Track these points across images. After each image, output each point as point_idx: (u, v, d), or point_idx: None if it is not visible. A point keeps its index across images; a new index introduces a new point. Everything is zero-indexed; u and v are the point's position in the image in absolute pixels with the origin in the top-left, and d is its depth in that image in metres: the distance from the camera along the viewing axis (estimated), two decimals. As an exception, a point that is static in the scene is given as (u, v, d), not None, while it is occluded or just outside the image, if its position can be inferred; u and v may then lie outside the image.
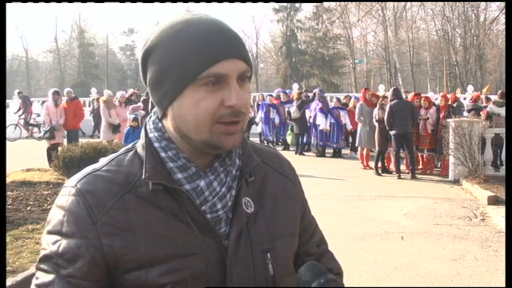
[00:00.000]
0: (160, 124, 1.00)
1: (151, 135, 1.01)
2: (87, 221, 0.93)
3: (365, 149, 11.69)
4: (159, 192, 0.96)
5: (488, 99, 12.34)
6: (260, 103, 16.18)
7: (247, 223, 1.00)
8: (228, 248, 0.96)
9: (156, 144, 0.99)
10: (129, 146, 1.05)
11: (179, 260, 0.93)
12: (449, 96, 12.64)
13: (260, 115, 15.53)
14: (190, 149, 0.98)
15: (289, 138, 14.89)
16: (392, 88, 11.26)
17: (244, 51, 0.96)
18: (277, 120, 15.44)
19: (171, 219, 0.95)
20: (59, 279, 0.92)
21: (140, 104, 12.71)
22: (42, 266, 0.95)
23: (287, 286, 1.01)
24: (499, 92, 11.66)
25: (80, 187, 0.96)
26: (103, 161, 1.02)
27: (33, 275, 3.63)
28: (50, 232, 0.96)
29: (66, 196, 0.96)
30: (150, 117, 1.04)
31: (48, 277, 0.93)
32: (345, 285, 1.14)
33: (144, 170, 0.95)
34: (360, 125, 11.73)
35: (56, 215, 0.96)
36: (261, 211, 1.04)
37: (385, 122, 10.18)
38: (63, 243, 0.93)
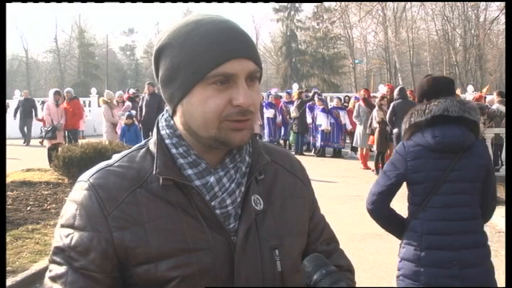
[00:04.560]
0: (172, 122, 1.03)
1: (163, 132, 1.03)
2: (98, 214, 0.95)
3: (364, 148, 11.70)
4: (170, 188, 0.98)
5: (484, 99, 12.32)
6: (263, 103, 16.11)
7: (256, 220, 1.01)
8: (237, 244, 0.98)
9: (167, 141, 1.02)
10: (142, 143, 1.08)
11: (188, 254, 0.95)
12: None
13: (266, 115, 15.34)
14: (200, 146, 1.00)
15: (291, 136, 14.92)
16: (399, 87, 11.24)
17: (254, 51, 0.97)
18: (278, 120, 15.44)
19: (181, 215, 0.97)
20: (72, 271, 0.94)
21: (129, 103, 12.72)
22: (55, 258, 0.97)
23: (294, 283, 1.02)
24: (498, 91, 11.58)
25: (92, 182, 0.98)
26: (116, 157, 1.05)
27: (33, 275, 3.66)
28: (62, 225, 0.98)
29: (79, 190, 0.99)
30: (163, 115, 1.06)
31: (62, 269, 0.95)
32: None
33: (155, 166, 0.98)
34: (357, 125, 11.79)
35: (69, 209, 0.98)
36: (270, 209, 1.05)
37: (387, 120, 10.19)
38: (76, 236, 0.95)
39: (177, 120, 1.01)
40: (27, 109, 17.45)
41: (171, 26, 0.99)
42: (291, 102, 15.55)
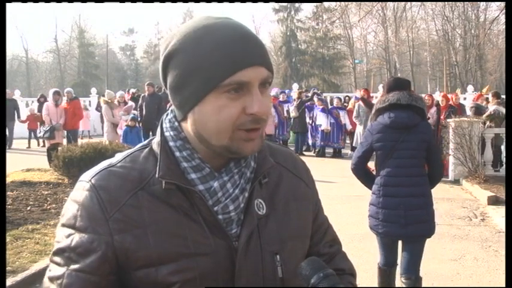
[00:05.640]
0: (176, 123, 1.00)
1: (167, 133, 1.01)
2: (100, 216, 0.94)
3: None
4: (172, 191, 0.96)
5: (487, 100, 12.26)
6: None
7: (258, 225, 1.00)
8: (238, 249, 0.97)
9: (171, 143, 0.99)
10: (145, 142, 1.06)
11: (189, 259, 0.94)
12: (450, 96, 12.60)
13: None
14: (206, 150, 0.98)
15: (291, 136, 14.93)
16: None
17: (266, 57, 0.95)
18: (276, 120, 15.44)
19: (183, 219, 0.95)
20: (70, 273, 0.93)
21: (132, 103, 12.72)
22: (55, 258, 0.97)
23: (294, 287, 1.01)
24: (493, 92, 11.51)
25: (94, 182, 0.97)
26: (119, 156, 1.03)
27: (33, 275, 3.67)
28: (64, 225, 0.97)
29: (80, 190, 0.98)
30: (167, 115, 1.04)
31: (60, 270, 0.95)
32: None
33: (157, 169, 0.96)
34: (357, 125, 11.80)
35: (70, 209, 0.97)
36: (272, 213, 1.03)
37: None
38: (76, 237, 0.94)
39: (188, 126, 0.98)
40: (9, 110, 15.63)
41: (179, 30, 0.96)
42: (286, 102, 15.60)
